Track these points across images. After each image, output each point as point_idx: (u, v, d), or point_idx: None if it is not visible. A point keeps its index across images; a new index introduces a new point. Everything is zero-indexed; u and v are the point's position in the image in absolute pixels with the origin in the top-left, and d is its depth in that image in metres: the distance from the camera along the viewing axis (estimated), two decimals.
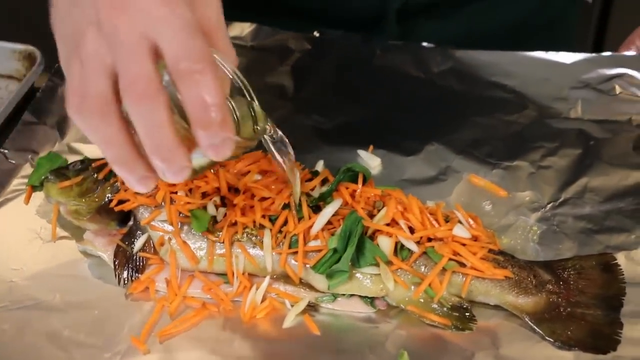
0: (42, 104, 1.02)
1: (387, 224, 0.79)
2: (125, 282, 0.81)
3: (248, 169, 0.83)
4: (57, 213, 0.86)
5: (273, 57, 1.12)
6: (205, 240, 0.80)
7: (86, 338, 0.76)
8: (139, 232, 0.82)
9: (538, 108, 1.04)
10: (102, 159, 0.87)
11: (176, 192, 0.81)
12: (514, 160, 0.96)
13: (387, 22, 1.12)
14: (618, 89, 1.05)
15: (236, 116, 0.68)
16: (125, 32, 0.61)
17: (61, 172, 0.86)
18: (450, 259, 0.78)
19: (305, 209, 0.80)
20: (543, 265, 0.81)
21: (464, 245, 0.79)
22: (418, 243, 0.79)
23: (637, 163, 0.95)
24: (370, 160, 0.96)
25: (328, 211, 0.79)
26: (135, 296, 0.80)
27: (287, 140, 0.75)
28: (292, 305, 0.78)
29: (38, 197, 0.90)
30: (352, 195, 0.83)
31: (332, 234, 0.78)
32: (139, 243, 0.82)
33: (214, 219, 0.80)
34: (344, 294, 0.79)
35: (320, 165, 0.91)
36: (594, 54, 1.10)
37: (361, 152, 0.97)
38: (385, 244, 0.78)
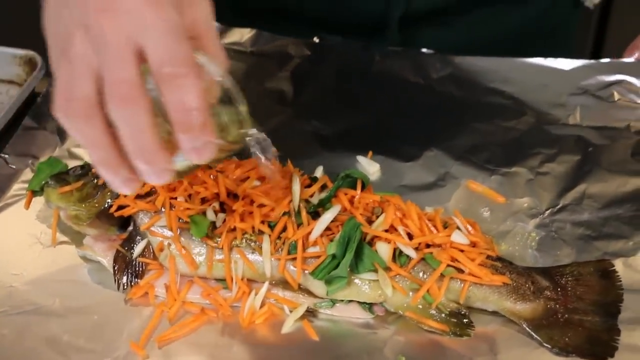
0: (42, 109, 1.02)
1: (386, 230, 0.80)
2: (125, 287, 0.81)
3: (247, 175, 0.84)
4: (57, 218, 0.87)
5: (273, 62, 1.13)
6: (205, 245, 0.80)
7: (85, 343, 0.76)
8: (138, 237, 0.82)
9: (536, 114, 1.05)
10: None
11: (176, 198, 0.81)
12: (513, 167, 0.96)
13: (389, 29, 1.13)
14: (617, 96, 1.06)
15: (222, 119, 0.69)
16: (111, 35, 0.61)
17: (61, 177, 0.86)
18: (449, 265, 0.78)
19: (304, 215, 0.80)
20: (541, 272, 0.81)
21: (462, 251, 0.79)
22: (416, 249, 0.79)
23: (635, 170, 0.96)
24: (369, 166, 0.96)
25: (327, 217, 0.79)
26: (135, 301, 0.80)
27: (271, 143, 0.76)
28: (290, 311, 0.79)
29: (38, 202, 0.90)
30: (351, 202, 0.83)
31: (331, 240, 0.79)
32: (138, 248, 0.82)
33: (213, 225, 0.81)
34: (342, 300, 0.79)
35: (319, 171, 0.92)
36: (592, 61, 1.10)
37: (360, 158, 0.97)
38: (383, 250, 0.78)
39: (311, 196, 0.83)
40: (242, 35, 1.17)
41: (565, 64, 1.10)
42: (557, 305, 0.78)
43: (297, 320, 0.78)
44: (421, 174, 0.96)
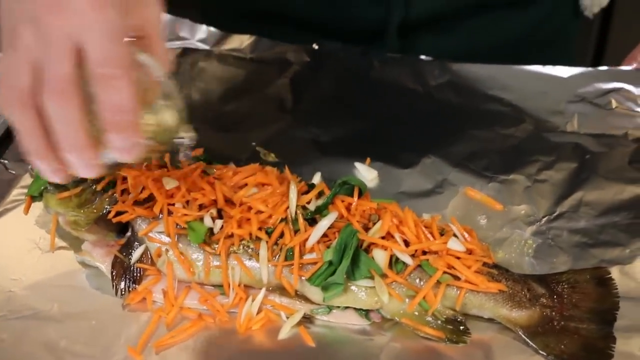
0: None
1: (382, 237, 0.80)
2: (123, 292, 0.81)
3: (245, 182, 0.84)
4: (56, 223, 0.87)
5: (272, 69, 1.13)
6: (202, 251, 0.81)
7: (83, 348, 0.77)
8: (136, 243, 0.83)
9: (535, 122, 1.05)
10: None
11: (174, 204, 0.82)
12: (510, 174, 0.97)
13: (388, 36, 1.13)
14: (614, 103, 1.06)
15: (157, 120, 0.71)
16: (54, 32, 0.64)
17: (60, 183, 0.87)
18: (445, 272, 0.79)
19: (301, 222, 0.81)
20: (537, 279, 0.81)
21: (458, 258, 0.80)
22: (413, 256, 0.80)
23: (632, 177, 0.96)
24: (367, 173, 0.97)
25: (324, 224, 0.80)
26: (133, 307, 0.81)
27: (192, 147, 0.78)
28: (287, 317, 0.79)
29: (37, 207, 0.91)
30: (348, 209, 0.83)
31: (328, 247, 0.79)
32: (136, 254, 0.82)
33: (210, 231, 0.81)
34: (339, 306, 0.80)
35: (317, 178, 0.92)
36: (590, 68, 1.10)
37: (358, 165, 0.98)
38: (380, 256, 0.79)
39: (308, 203, 0.83)
40: (241, 41, 1.17)
41: (563, 71, 1.10)
42: (553, 313, 0.78)
43: (294, 327, 0.78)
44: (419, 180, 0.96)
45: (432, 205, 0.92)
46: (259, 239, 0.80)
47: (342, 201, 0.83)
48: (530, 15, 1.17)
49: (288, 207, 0.82)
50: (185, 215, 0.81)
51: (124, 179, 0.85)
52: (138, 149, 0.69)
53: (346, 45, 1.15)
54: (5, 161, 0.97)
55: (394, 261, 0.79)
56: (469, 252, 0.81)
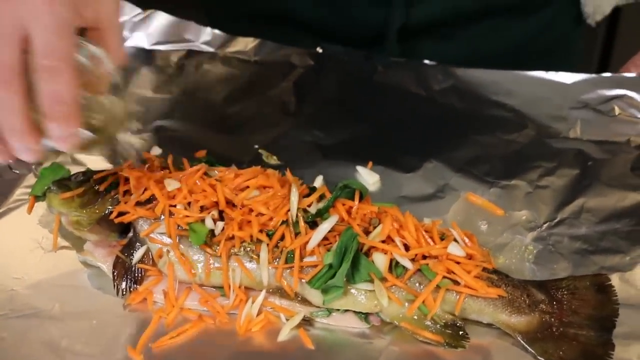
0: None
1: (383, 241, 0.80)
2: (124, 292, 0.82)
3: (246, 184, 0.84)
4: (59, 223, 0.88)
5: (276, 72, 1.14)
6: (203, 253, 0.81)
7: (84, 348, 0.77)
8: (138, 243, 0.83)
9: (537, 127, 1.05)
10: (104, 171, 0.88)
11: (175, 206, 0.82)
12: (512, 179, 0.97)
13: (388, 41, 1.13)
14: (617, 110, 1.06)
15: (103, 113, 0.74)
16: (3, 20, 0.67)
17: (63, 183, 0.87)
18: (445, 277, 0.79)
19: (302, 225, 0.81)
20: (537, 285, 0.81)
21: (458, 263, 0.80)
22: (413, 260, 0.80)
23: (634, 184, 0.96)
24: (369, 177, 0.97)
25: (324, 227, 0.80)
26: (133, 307, 0.81)
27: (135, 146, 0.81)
28: (287, 319, 0.79)
29: (41, 207, 0.91)
30: (349, 212, 0.83)
31: (328, 250, 0.79)
32: (137, 255, 0.83)
33: (211, 233, 0.81)
34: (338, 309, 0.80)
35: (319, 181, 0.93)
36: (594, 75, 1.10)
37: (360, 169, 0.98)
38: (380, 260, 0.79)
39: (309, 206, 0.83)
40: (246, 44, 1.18)
41: (566, 77, 1.11)
42: (552, 319, 0.79)
43: (294, 329, 0.79)
44: (420, 185, 0.97)
45: (433, 210, 0.93)
46: (259, 241, 0.81)
47: (343, 204, 0.84)
48: (531, 24, 1.17)
49: (289, 210, 0.82)
50: (187, 216, 0.81)
51: (127, 180, 0.85)
52: (74, 139, 0.72)
53: (349, 49, 1.15)
54: (10, 161, 0.97)
55: (394, 265, 0.80)
56: (469, 257, 0.81)
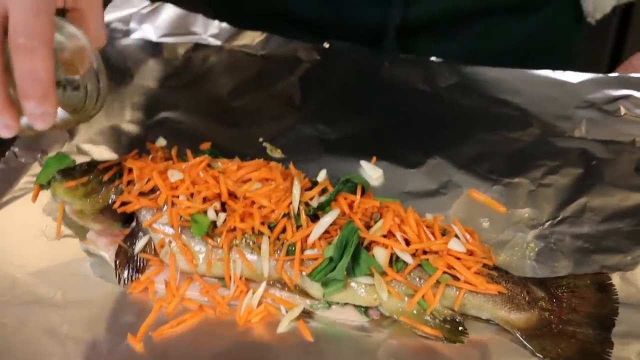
0: None
1: (384, 236, 0.80)
2: (126, 281, 0.82)
3: (249, 176, 0.85)
4: (63, 212, 0.88)
5: (282, 66, 1.14)
6: (205, 244, 0.81)
7: (83, 334, 0.78)
8: (140, 233, 0.84)
9: (542, 126, 1.05)
10: (109, 161, 0.89)
11: (178, 196, 0.83)
12: (515, 177, 0.97)
13: (387, 39, 1.14)
14: (623, 110, 1.06)
15: (79, 93, 0.75)
16: None
17: (68, 172, 0.88)
18: (445, 272, 0.79)
19: (303, 218, 0.81)
20: (537, 282, 0.81)
21: (458, 259, 0.80)
22: (413, 255, 0.80)
23: (638, 185, 0.95)
24: (373, 172, 0.97)
25: (326, 220, 0.80)
26: (135, 296, 0.82)
27: None
28: (287, 311, 0.80)
29: (45, 195, 0.92)
30: (350, 206, 0.84)
31: (329, 243, 0.79)
32: (140, 244, 0.83)
33: (213, 224, 0.82)
34: (338, 302, 0.80)
35: (322, 175, 0.92)
36: (600, 75, 1.10)
37: (364, 163, 0.98)
38: (380, 254, 0.79)
39: (311, 199, 0.84)
40: (253, 38, 1.18)
41: (573, 77, 1.10)
42: (552, 316, 0.79)
43: (293, 321, 0.79)
44: (424, 181, 0.97)
45: (435, 206, 0.93)
46: (261, 233, 0.81)
47: (345, 199, 0.84)
48: (531, 23, 1.17)
49: (291, 203, 0.82)
50: (189, 207, 0.82)
51: (130, 170, 0.86)
52: (50, 118, 0.72)
53: (356, 45, 1.15)
54: (16, 149, 0.98)
55: (394, 260, 0.80)
56: (470, 253, 0.81)
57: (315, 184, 0.87)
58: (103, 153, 0.98)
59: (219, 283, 0.82)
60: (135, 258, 0.83)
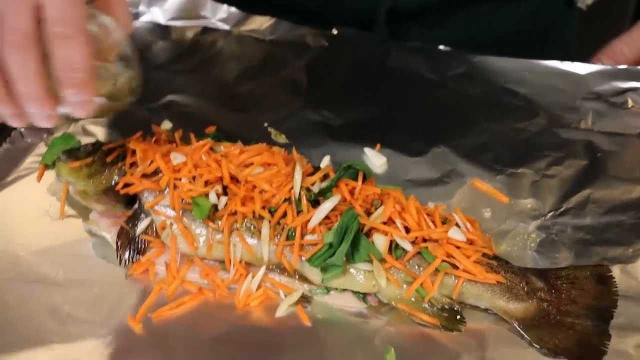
0: None
1: (384, 223, 0.81)
2: (127, 262, 0.83)
3: (251, 160, 0.85)
4: (67, 192, 0.89)
5: (289, 52, 1.14)
6: (206, 227, 0.82)
7: (85, 314, 0.78)
8: (142, 215, 0.84)
9: (548, 117, 1.05)
10: (113, 142, 0.89)
11: (180, 179, 0.83)
12: (519, 168, 0.97)
13: (377, 25, 1.13)
14: (630, 103, 1.05)
15: (112, 81, 0.76)
16: None
17: (73, 152, 0.89)
18: (444, 261, 0.79)
19: (304, 203, 0.81)
20: (537, 273, 0.81)
21: (458, 248, 0.80)
22: (413, 243, 0.80)
23: None
24: (376, 159, 0.97)
25: (326, 206, 0.81)
26: (135, 277, 0.82)
27: None
28: (285, 296, 0.80)
29: (50, 175, 0.93)
30: (352, 192, 0.84)
31: (329, 229, 0.80)
32: (141, 226, 0.84)
33: (215, 207, 0.82)
34: (337, 288, 0.80)
35: (326, 161, 0.93)
36: (608, 67, 1.10)
37: (367, 150, 0.98)
38: (380, 241, 0.79)
39: (312, 184, 0.84)
40: (261, 23, 1.18)
41: (581, 68, 1.10)
42: (550, 307, 0.79)
43: (292, 305, 0.79)
44: (427, 169, 0.97)
45: (438, 195, 0.93)
46: (261, 217, 0.81)
47: (346, 185, 0.84)
48: (520, 9, 1.16)
49: (292, 188, 0.82)
50: (191, 190, 0.82)
51: (134, 152, 0.86)
52: (90, 105, 0.73)
53: (364, 31, 1.15)
54: (22, 129, 0.98)
55: (393, 247, 0.80)
56: (470, 242, 0.81)
57: (317, 169, 0.87)
58: (109, 134, 0.99)
59: (219, 266, 0.82)
60: (137, 239, 0.84)
